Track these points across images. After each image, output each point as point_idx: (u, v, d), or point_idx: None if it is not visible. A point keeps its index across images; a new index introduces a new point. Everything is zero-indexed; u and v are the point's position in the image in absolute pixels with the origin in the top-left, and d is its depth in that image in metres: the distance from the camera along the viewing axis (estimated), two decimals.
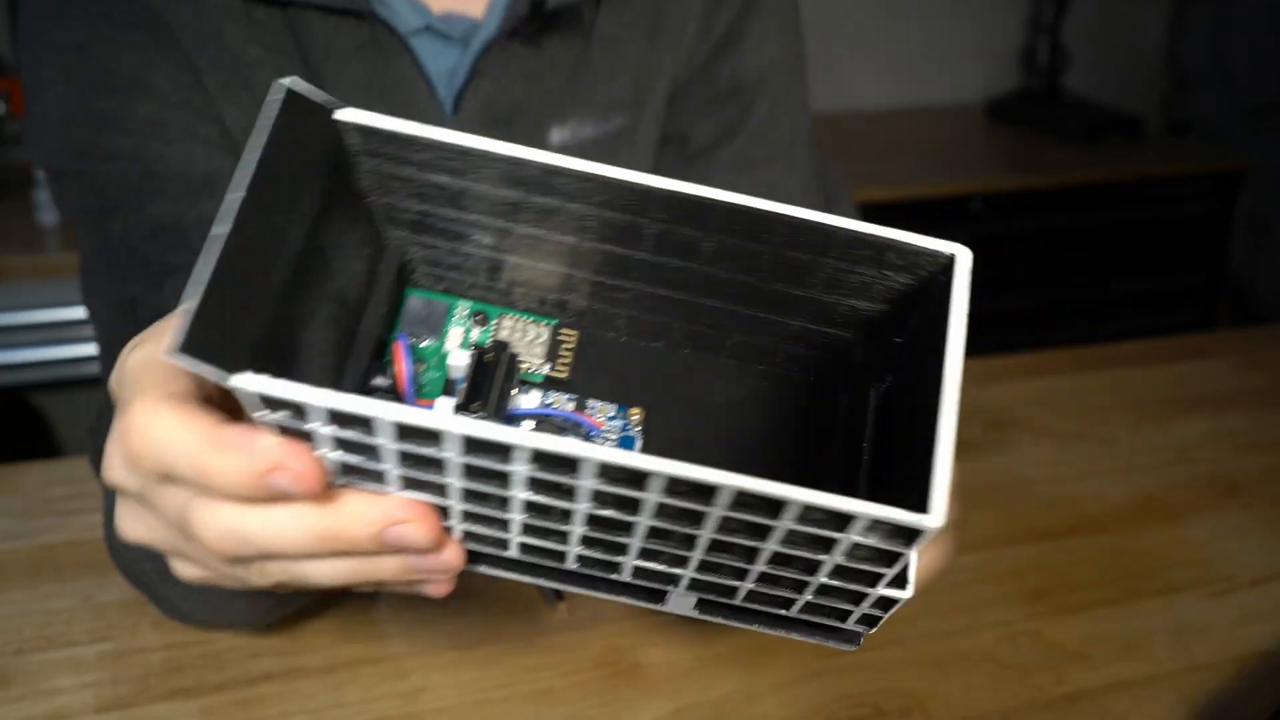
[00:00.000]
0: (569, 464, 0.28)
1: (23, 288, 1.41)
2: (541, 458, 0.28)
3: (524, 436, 0.27)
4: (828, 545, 0.29)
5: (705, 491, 0.27)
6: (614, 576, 0.33)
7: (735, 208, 0.32)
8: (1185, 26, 2.34)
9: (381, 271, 0.36)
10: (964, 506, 0.74)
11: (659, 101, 0.69)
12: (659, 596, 0.35)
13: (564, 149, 0.69)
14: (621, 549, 0.31)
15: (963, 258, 0.32)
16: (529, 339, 0.38)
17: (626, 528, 0.30)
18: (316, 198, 0.32)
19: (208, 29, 0.59)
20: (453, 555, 0.33)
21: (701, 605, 0.35)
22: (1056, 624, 0.63)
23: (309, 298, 0.32)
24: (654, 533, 0.30)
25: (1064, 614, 0.64)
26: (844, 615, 0.33)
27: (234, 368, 0.27)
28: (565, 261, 0.36)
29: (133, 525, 0.35)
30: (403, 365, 0.36)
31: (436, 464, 0.29)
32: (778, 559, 0.30)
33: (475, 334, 0.37)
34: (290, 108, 0.30)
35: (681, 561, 0.32)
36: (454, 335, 0.37)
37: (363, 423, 0.28)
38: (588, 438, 0.37)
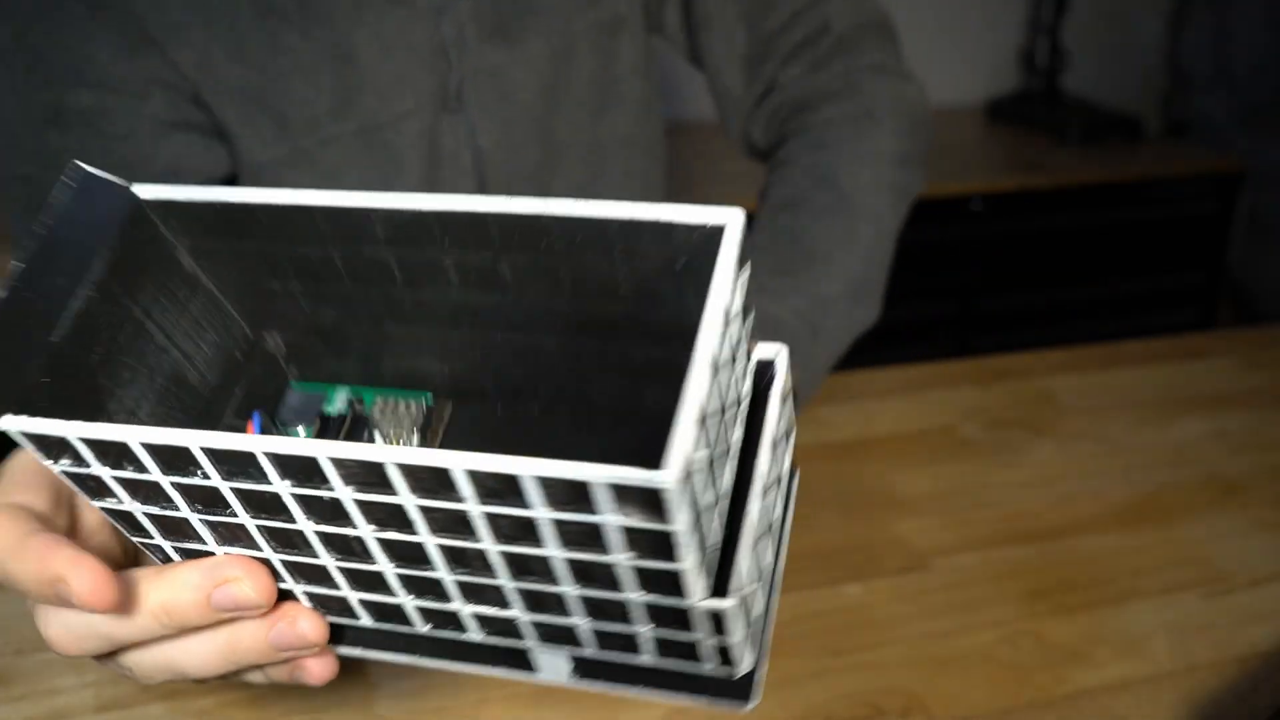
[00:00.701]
0: (312, 471, 0.27)
1: None
2: (285, 465, 0.28)
3: (250, 441, 0.27)
4: (596, 536, 0.26)
5: (447, 484, 0.26)
6: (465, 637, 0.33)
7: (501, 216, 0.30)
8: (1185, 26, 2.34)
9: (239, 360, 0.37)
10: (964, 506, 0.74)
11: None
12: (525, 662, 0.34)
13: None
14: (438, 588, 0.31)
15: (733, 224, 0.28)
16: (399, 414, 0.37)
17: (420, 554, 0.29)
18: (105, 266, 0.33)
19: None
20: (310, 627, 0.33)
21: (577, 669, 0.34)
22: (1056, 624, 0.63)
23: (119, 364, 0.34)
24: (449, 556, 0.29)
25: (1064, 614, 0.64)
26: (695, 651, 0.30)
27: None
28: (408, 323, 0.35)
29: None
30: None
31: (218, 499, 0.30)
32: (578, 573, 0.28)
33: (353, 410, 0.37)
34: (85, 185, 0.33)
35: (500, 597, 0.30)
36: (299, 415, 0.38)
37: (123, 452, 0.29)
38: None
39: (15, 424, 0.29)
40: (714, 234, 0.29)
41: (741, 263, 0.29)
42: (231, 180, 0.70)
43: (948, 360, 0.98)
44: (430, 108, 0.70)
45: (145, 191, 0.34)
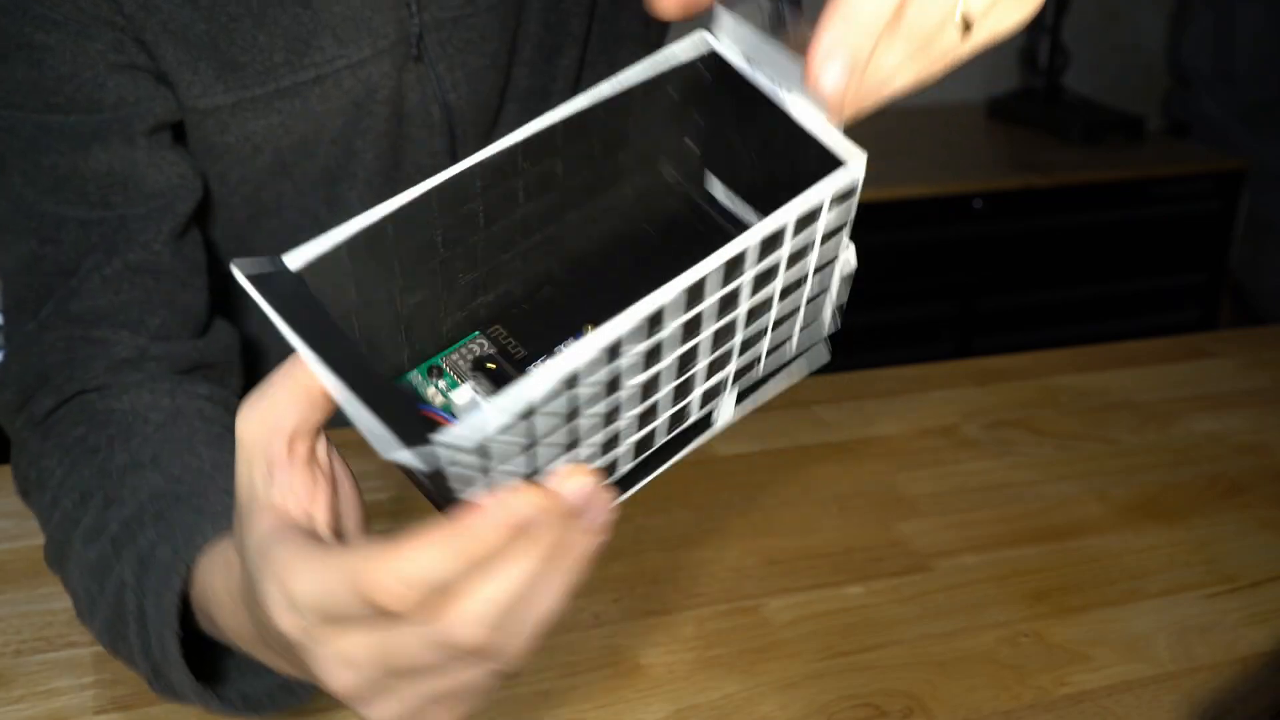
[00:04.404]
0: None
1: None
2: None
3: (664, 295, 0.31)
4: (806, 251, 0.35)
5: (736, 263, 0.33)
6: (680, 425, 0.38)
7: (565, 120, 0.37)
8: (1185, 26, 2.34)
9: None
10: (966, 507, 0.74)
11: None
12: (704, 425, 0.39)
13: None
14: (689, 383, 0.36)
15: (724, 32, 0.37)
16: (475, 357, 0.39)
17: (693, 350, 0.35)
18: None
19: None
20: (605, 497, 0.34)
21: (738, 400, 0.39)
22: (1058, 624, 0.63)
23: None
24: (717, 335, 0.35)
25: (1065, 614, 0.64)
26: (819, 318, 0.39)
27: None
28: (440, 285, 0.38)
29: (386, 702, 0.34)
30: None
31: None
32: (785, 292, 0.36)
33: (442, 384, 0.39)
34: (264, 286, 0.35)
35: (727, 354, 0.36)
36: (433, 396, 0.39)
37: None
38: None
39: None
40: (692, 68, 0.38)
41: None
42: (180, 125, 0.67)
43: (948, 360, 0.97)
44: (391, 57, 0.68)
45: (293, 260, 0.35)
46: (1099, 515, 0.74)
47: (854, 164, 0.34)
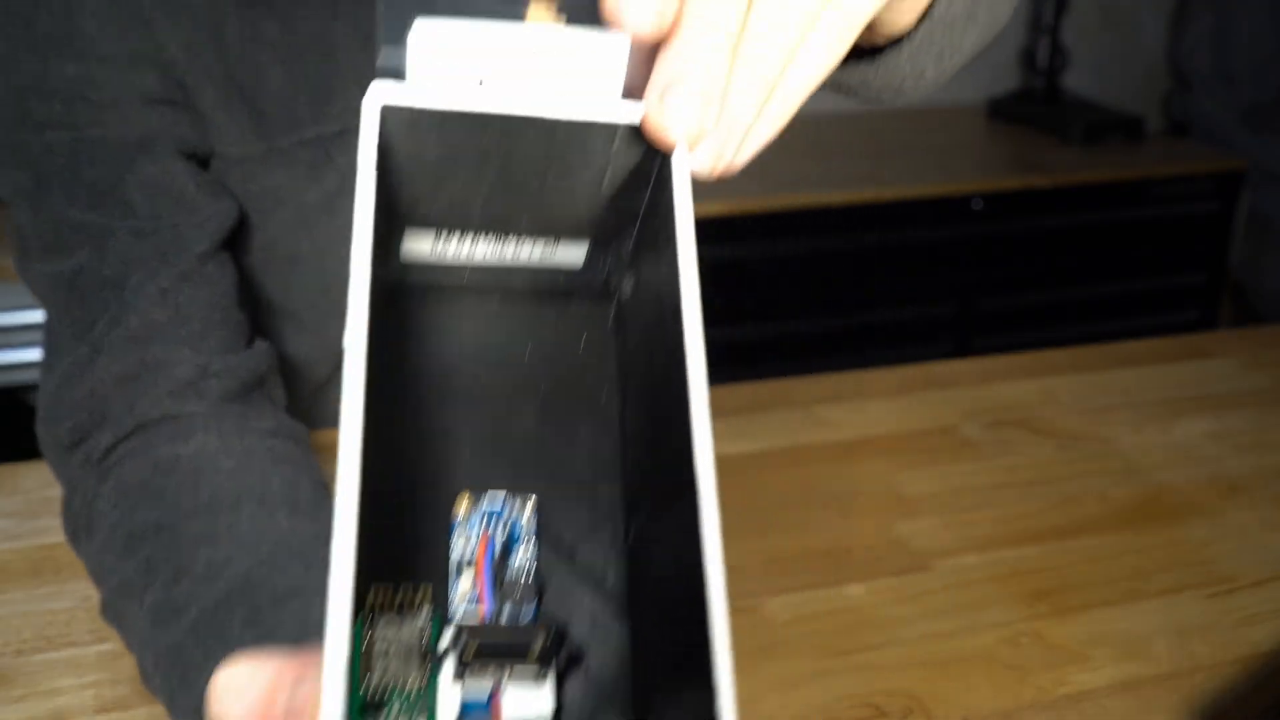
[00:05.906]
0: None
1: (22, 288, 1.40)
2: None
3: None
4: None
5: None
6: None
7: None
8: (1185, 26, 2.34)
9: None
10: (966, 507, 0.74)
11: None
12: None
13: None
14: None
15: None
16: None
17: None
18: None
19: None
20: None
21: None
22: (1058, 624, 0.63)
23: None
24: None
25: (1065, 614, 0.64)
26: None
27: None
28: None
29: None
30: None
31: None
32: None
33: None
34: None
35: None
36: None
37: None
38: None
39: None
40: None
41: None
42: (208, 162, 0.65)
43: (948, 360, 0.97)
44: None
45: None
46: (1098, 515, 0.74)
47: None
